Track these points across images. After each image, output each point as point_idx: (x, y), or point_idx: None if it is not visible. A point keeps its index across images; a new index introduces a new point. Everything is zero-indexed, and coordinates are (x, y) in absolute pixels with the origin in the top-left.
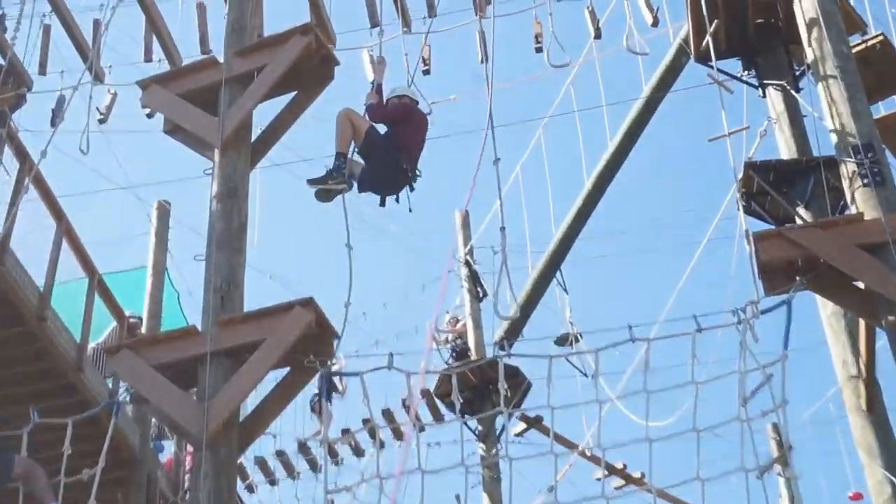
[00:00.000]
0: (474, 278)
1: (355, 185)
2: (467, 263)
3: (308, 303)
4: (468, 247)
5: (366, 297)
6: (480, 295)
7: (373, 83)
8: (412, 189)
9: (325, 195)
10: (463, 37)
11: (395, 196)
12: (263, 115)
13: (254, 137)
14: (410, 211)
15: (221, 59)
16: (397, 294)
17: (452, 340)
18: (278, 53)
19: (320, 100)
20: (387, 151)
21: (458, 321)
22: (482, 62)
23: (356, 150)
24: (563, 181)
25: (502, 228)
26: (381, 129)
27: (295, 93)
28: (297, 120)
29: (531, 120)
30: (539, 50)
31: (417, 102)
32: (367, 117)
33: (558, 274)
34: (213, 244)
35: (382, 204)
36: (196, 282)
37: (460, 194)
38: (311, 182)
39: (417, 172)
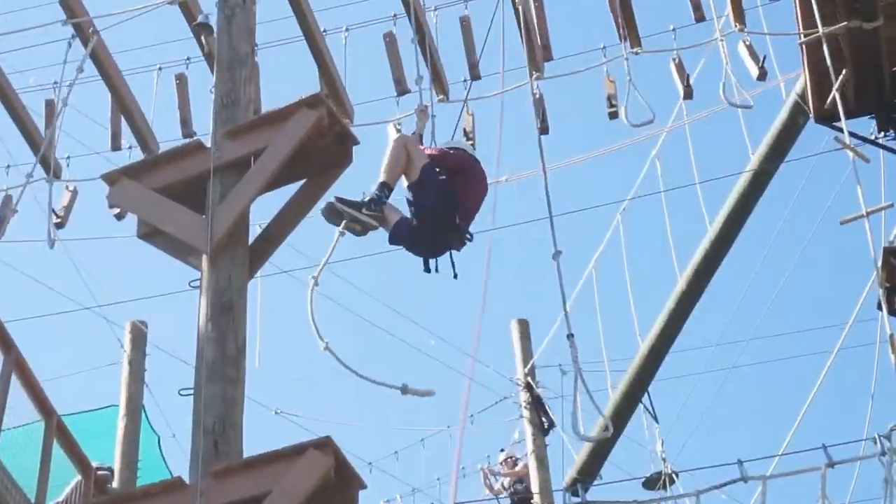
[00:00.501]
0: (537, 405)
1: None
2: (528, 386)
3: (325, 444)
4: (529, 365)
5: (397, 430)
6: (546, 425)
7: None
8: (461, 247)
9: (348, 223)
10: (514, 102)
11: (436, 259)
12: (264, 210)
13: (252, 238)
14: (455, 277)
15: (208, 143)
16: (438, 427)
17: (511, 486)
18: (280, 133)
19: (335, 188)
20: (446, 197)
21: (516, 461)
22: (539, 133)
23: (407, 188)
24: (650, 279)
25: (570, 335)
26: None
27: (303, 181)
28: (306, 215)
29: (606, 204)
30: (614, 115)
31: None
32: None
33: (646, 397)
34: (203, 375)
35: (427, 269)
36: (181, 422)
37: (518, 302)
38: (341, 202)
39: (469, 236)
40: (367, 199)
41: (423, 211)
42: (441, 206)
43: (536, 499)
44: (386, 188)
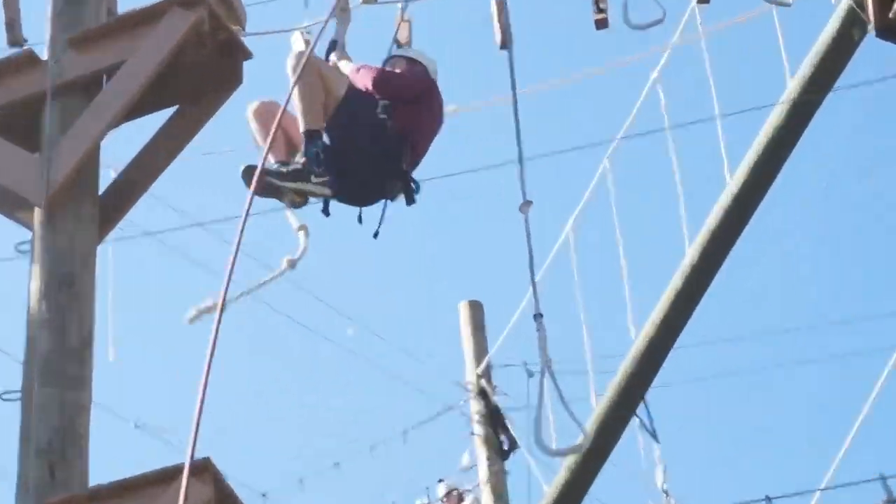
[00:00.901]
0: (494, 418)
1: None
2: (482, 392)
3: (202, 469)
4: (483, 363)
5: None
6: (505, 446)
7: (332, 42)
8: (410, 201)
9: (292, 197)
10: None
11: (360, 208)
12: (121, 147)
13: (104, 187)
14: (376, 236)
15: (44, 55)
16: (368, 442)
17: None
18: (145, 41)
19: (218, 118)
20: (380, 129)
21: (461, 496)
22: (501, 47)
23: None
24: (649, 247)
25: (538, 315)
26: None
27: (175, 108)
28: (178, 154)
29: (590, 146)
30: (601, 23)
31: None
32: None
33: (641, 409)
34: (36, 373)
35: (327, 212)
36: (4, 438)
37: (469, 281)
38: (283, 176)
39: (414, 185)
40: (304, 164)
41: (347, 145)
42: (377, 139)
43: None
44: (315, 137)
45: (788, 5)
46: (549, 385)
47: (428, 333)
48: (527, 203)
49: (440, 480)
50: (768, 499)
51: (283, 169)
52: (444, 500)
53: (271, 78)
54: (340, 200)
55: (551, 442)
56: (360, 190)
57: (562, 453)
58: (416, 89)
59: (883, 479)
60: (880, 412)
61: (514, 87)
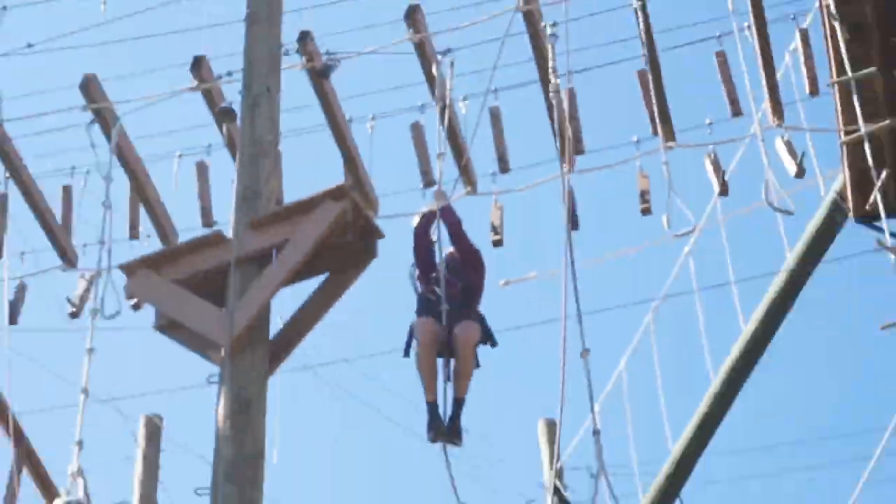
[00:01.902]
0: None
1: None
2: (556, 491)
3: None
4: (556, 466)
5: None
6: None
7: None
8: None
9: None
10: (544, 196)
11: None
12: (285, 303)
13: (273, 333)
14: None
15: (229, 234)
16: None
17: None
18: (303, 225)
19: (360, 283)
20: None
21: None
22: (569, 228)
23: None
24: (682, 382)
25: (596, 432)
26: None
27: (326, 275)
28: (329, 309)
29: (636, 303)
30: (646, 211)
31: None
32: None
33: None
34: (221, 474)
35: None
36: None
37: (543, 399)
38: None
39: None
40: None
41: None
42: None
43: None
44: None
45: (791, 213)
46: (604, 485)
47: (514, 443)
48: (585, 350)
49: None
50: None
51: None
52: None
53: (396, 250)
54: None
55: None
56: None
57: None
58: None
59: None
60: None
61: (572, 262)
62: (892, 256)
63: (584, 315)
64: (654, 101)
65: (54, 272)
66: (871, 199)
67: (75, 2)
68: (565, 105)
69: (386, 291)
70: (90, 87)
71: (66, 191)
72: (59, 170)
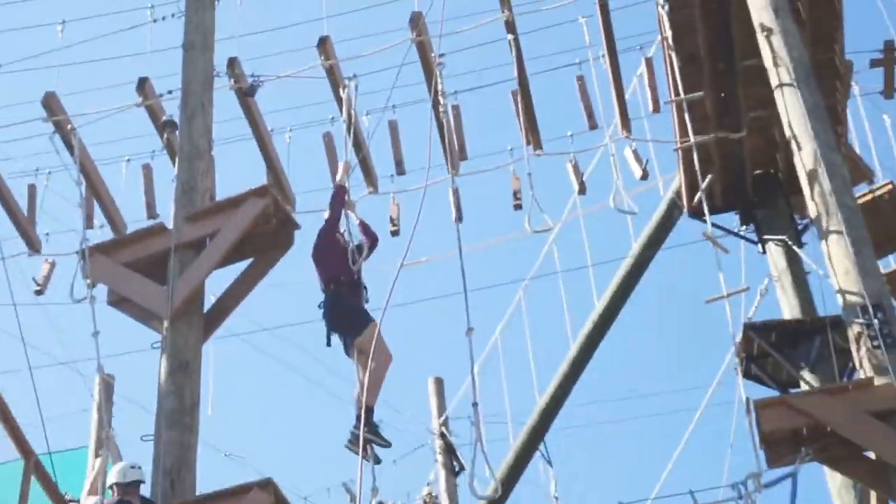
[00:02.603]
0: (449, 451)
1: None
2: (442, 435)
3: (267, 484)
4: (443, 417)
5: (330, 473)
6: (457, 469)
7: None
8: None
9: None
10: (435, 195)
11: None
12: (217, 282)
13: (207, 307)
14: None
15: (170, 225)
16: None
17: None
18: (232, 218)
19: (279, 266)
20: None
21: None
22: (456, 222)
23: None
24: (547, 347)
25: (475, 404)
26: None
27: (251, 259)
28: (254, 288)
29: (510, 282)
30: (518, 207)
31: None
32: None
33: (542, 446)
34: (162, 423)
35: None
36: (144, 463)
37: (432, 361)
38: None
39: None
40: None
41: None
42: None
43: None
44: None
45: (635, 213)
46: (480, 452)
47: (408, 397)
48: (470, 329)
49: (427, 484)
50: None
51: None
52: (426, 498)
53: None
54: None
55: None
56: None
57: (485, 498)
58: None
59: (692, 493)
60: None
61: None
62: (716, 247)
63: (469, 292)
64: (524, 116)
65: (21, 257)
66: (698, 197)
67: (36, 28)
68: (451, 119)
69: (301, 274)
70: (50, 102)
71: (31, 189)
72: (24, 171)
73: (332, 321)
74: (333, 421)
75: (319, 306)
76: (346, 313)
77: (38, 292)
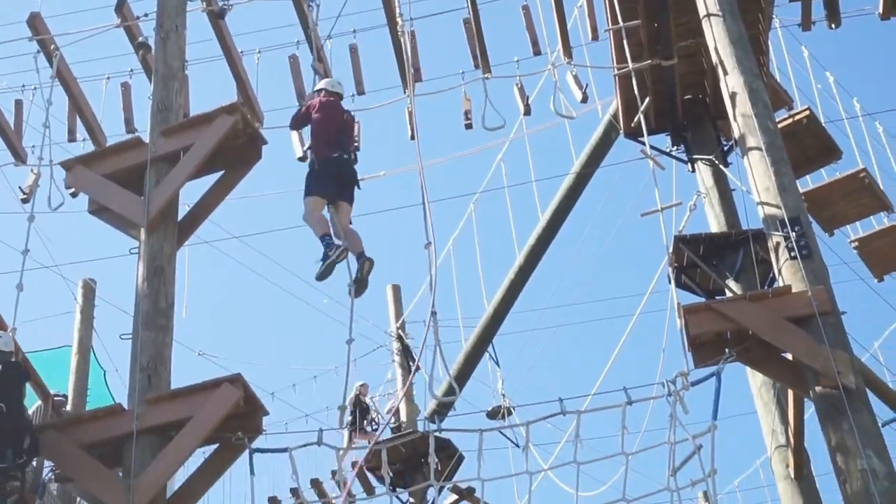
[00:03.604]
0: (406, 352)
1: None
2: (399, 337)
3: (236, 379)
4: (400, 321)
5: (296, 371)
6: (412, 369)
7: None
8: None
9: (328, 271)
10: (393, 113)
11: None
12: (191, 193)
13: (181, 216)
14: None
15: (147, 139)
16: (328, 367)
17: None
18: (204, 133)
19: (248, 178)
20: (322, 167)
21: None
22: (412, 139)
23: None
24: (496, 256)
25: (433, 313)
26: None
27: (222, 172)
28: (224, 198)
29: (462, 195)
30: (469, 126)
31: (337, 95)
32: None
33: (490, 348)
34: (140, 323)
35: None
36: (123, 360)
37: (391, 270)
38: (320, 275)
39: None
40: (324, 254)
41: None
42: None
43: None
44: (325, 237)
45: (573, 118)
46: (438, 356)
47: (369, 302)
48: (429, 243)
49: (362, 384)
50: (560, 399)
51: (319, 271)
52: (360, 388)
53: (277, 156)
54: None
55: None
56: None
57: (442, 400)
58: (302, 116)
59: (625, 389)
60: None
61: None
62: (650, 162)
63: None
64: (476, 42)
65: (8, 167)
66: (636, 119)
67: None
68: (408, 43)
69: (268, 184)
70: (35, 23)
71: (18, 104)
72: (11, 87)
73: (336, 183)
74: (298, 322)
75: (311, 166)
76: (350, 182)
77: (24, 200)
